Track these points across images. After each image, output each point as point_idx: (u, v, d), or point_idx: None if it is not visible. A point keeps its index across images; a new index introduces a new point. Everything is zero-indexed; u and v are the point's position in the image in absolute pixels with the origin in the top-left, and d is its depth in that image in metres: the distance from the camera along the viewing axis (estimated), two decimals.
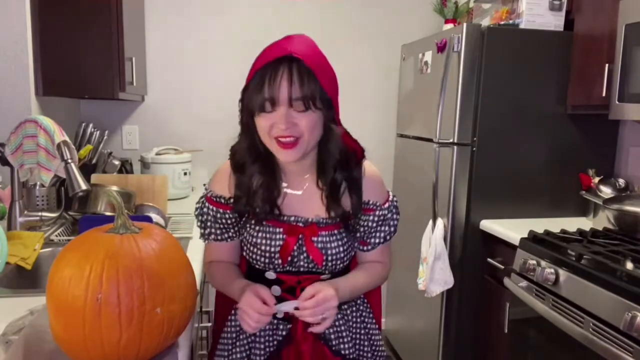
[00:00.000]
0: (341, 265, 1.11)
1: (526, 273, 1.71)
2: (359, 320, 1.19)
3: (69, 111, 2.35)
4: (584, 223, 2.04)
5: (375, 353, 1.20)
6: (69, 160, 1.40)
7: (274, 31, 2.73)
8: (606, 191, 2.02)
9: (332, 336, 1.13)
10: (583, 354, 1.42)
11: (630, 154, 2.15)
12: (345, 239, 1.10)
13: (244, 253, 1.13)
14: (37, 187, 1.68)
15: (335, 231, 1.09)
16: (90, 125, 2.19)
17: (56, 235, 1.64)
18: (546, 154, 2.14)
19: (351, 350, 1.14)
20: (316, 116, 0.98)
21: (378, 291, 1.26)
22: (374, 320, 1.23)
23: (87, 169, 2.03)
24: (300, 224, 1.07)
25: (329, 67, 1.03)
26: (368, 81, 2.87)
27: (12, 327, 0.92)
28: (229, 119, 2.77)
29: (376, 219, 1.12)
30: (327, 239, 1.07)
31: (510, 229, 1.93)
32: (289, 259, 1.07)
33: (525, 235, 1.80)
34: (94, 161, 2.14)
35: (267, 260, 1.08)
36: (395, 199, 1.18)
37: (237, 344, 1.13)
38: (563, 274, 1.55)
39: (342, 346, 1.13)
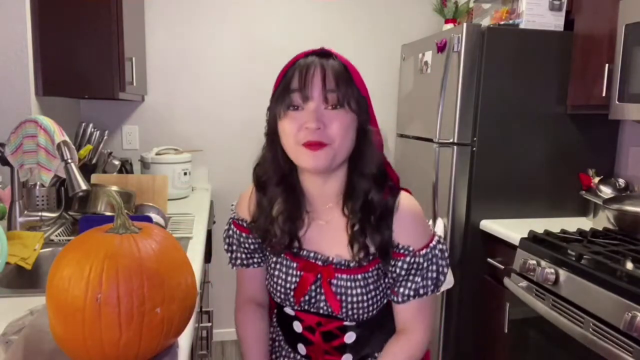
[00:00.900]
0: (366, 315, 0.94)
1: (526, 273, 1.71)
2: None
3: (69, 111, 2.35)
4: (584, 223, 2.04)
5: None
6: (69, 160, 1.40)
7: (274, 31, 2.75)
8: (606, 191, 2.02)
9: None
10: (583, 354, 1.42)
11: (630, 154, 2.15)
12: (371, 286, 0.93)
13: (266, 282, 1.03)
14: (37, 187, 1.68)
15: (359, 276, 0.92)
16: (90, 125, 2.19)
17: (56, 235, 1.64)
18: (546, 154, 2.14)
19: None
20: (350, 118, 0.87)
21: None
22: None
23: (87, 169, 2.03)
24: (319, 262, 0.94)
25: (360, 74, 0.94)
26: (368, 81, 2.81)
27: (12, 327, 0.92)
28: (229, 119, 2.79)
29: (406, 266, 0.92)
30: (347, 283, 0.92)
31: (510, 229, 1.93)
32: (306, 298, 0.95)
33: (525, 235, 1.80)
34: (94, 161, 2.13)
35: (282, 296, 0.97)
36: (441, 245, 0.95)
37: None
38: (563, 274, 1.55)
39: None
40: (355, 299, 0.92)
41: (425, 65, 2.37)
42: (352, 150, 0.90)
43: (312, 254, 0.95)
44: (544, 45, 2.07)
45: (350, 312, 0.93)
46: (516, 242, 1.83)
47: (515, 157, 2.12)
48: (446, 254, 0.95)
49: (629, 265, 1.46)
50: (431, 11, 2.83)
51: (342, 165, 0.92)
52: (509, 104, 2.08)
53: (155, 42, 2.61)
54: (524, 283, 1.73)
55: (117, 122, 2.62)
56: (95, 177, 1.93)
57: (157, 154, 2.41)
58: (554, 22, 2.08)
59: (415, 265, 0.92)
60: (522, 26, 2.06)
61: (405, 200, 0.94)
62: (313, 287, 0.94)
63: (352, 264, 0.92)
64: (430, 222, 2.20)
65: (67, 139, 1.45)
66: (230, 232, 1.04)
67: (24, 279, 1.35)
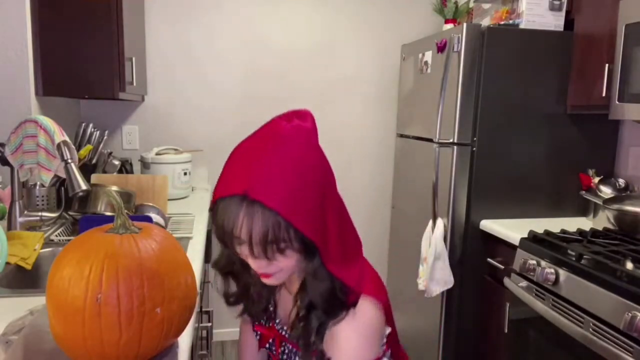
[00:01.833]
0: None
1: (526, 273, 1.71)
2: None
3: (69, 111, 2.35)
4: (584, 223, 2.04)
5: None
6: (69, 160, 1.40)
7: (274, 31, 2.75)
8: (606, 191, 2.02)
9: None
10: (583, 354, 1.42)
11: (630, 154, 2.15)
12: None
13: None
14: (37, 187, 1.68)
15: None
16: (90, 125, 2.19)
17: (56, 235, 1.64)
18: (546, 154, 2.14)
19: None
20: (296, 257, 0.80)
21: None
22: None
23: (87, 169, 2.03)
24: (279, 327, 0.98)
25: (313, 188, 0.78)
26: (368, 81, 2.87)
27: (12, 327, 0.92)
28: (230, 119, 2.79)
29: None
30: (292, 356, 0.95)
31: (510, 229, 1.93)
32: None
33: (525, 235, 1.80)
34: (94, 161, 2.13)
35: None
36: None
37: None
38: (563, 274, 1.55)
39: None
40: None
41: (425, 65, 2.37)
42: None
43: (277, 321, 0.98)
44: (544, 45, 2.07)
45: None
46: (516, 242, 1.83)
47: (515, 157, 2.12)
48: None
49: (629, 265, 1.46)
50: (431, 11, 2.83)
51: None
52: (509, 104, 2.08)
53: (155, 42, 2.61)
54: (524, 283, 1.73)
55: (117, 122, 2.62)
56: (95, 177, 1.93)
57: (157, 154, 2.41)
58: (554, 22, 2.08)
59: None
60: (522, 26, 2.06)
61: (362, 309, 0.83)
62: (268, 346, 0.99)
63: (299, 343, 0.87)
64: (430, 223, 2.20)
65: (67, 139, 1.45)
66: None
67: (24, 279, 1.35)
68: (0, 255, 1.22)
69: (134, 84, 2.15)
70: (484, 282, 2.12)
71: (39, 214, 1.60)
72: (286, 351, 0.97)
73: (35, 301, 1.03)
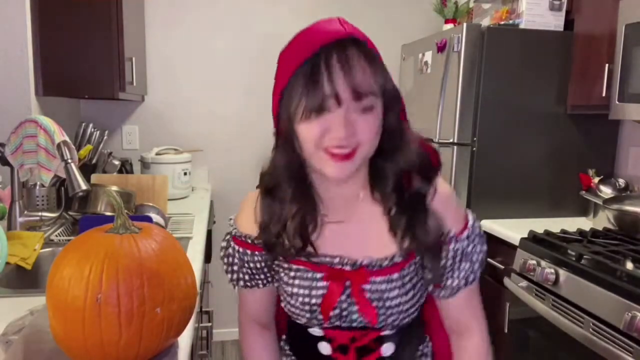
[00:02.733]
0: (407, 319, 0.85)
1: (526, 273, 1.71)
2: None
3: (69, 111, 2.35)
4: (584, 223, 2.04)
5: None
6: (69, 160, 1.40)
7: (275, 31, 2.75)
8: (606, 191, 2.02)
9: None
10: (583, 354, 1.42)
11: (630, 154, 2.14)
12: (408, 285, 0.83)
13: (282, 304, 0.91)
14: (37, 187, 1.68)
15: (395, 275, 0.82)
16: (90, 125, 2.19)
17: (56, 235, 1.64)
18: (546, 154, 2.14)
19: None
20: (378, 116, 0.75)
21: None
22: None
23: (87, 169, 2.03)
24: (347, 267, 0.82)
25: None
26: None
27: (12, 327, 0.92)
28: (230, 119, 2.79)
29: (452, 254, 0.83)
30: (383, 286, 0.82)
31: (510, 229, 1.93)
32: (336, 312, 0.83)
33: (525, 235, 1.80)
34: (94, 161, 2.14)
35: (308, 315, 0.85)
36: (476, 223, 0.87)
37: None
38: (563, 274, 1.55)
39: None
40: (393, 303, 0.82)
41: (425, 65, 2.37)
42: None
43: (336, 260, 0.82)
44: (544, 45, 2.06)
45: (389, 319, 0.83)
46: (516, 242, 1.83)
47: (515, 157, 2.12)
48: (482, 232, 0.88)
49: (629, 265, 1.46)
50: (431, 11, 2.83)
51: (364, 166, 0.81)
52: (509, 104, 2.08)
53: (155, 42, 2.61)
54: (524, 283, 1.73)
55: (117, 122, 2.62)
56: (95, 177, 1.93)
57: (157, 154, 2.41)
58: (554, 22, 2.08)
59: (460, 250, 0.83)
60: (522, 26, 2.06)
61: (439, 181, 0.83)
62: (343, 298, 0.82)
63: (385, 263, 0.81)
64: None
65: (67, 139, 1.45)
66: (231, 250, 0.92)
67: (24, 279, 1.35)
68: (0, 255, 1.22)
69: (134, 84, 2.15)
70: (484, 282, 2.10)
71: (39, 214, 1.60)
72: (348, 308, 0.83)
73: (35, 301, 1.03)
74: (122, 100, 2.31)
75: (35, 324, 0.92)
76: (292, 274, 0.86)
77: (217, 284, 2.78)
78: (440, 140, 2.14)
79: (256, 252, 0.89)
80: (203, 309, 1.93)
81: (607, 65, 1.81)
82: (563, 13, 2.08)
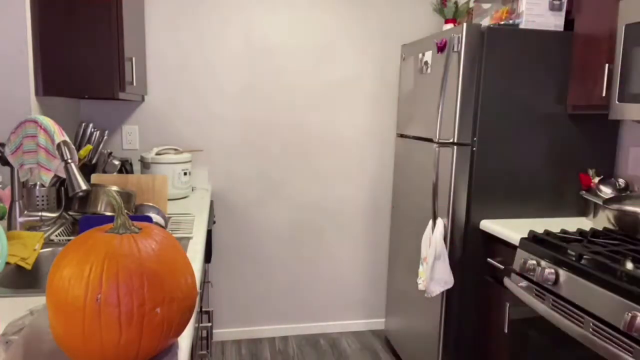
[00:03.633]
0: None
1: (526, 273, 1.71)
2: None
3: (69, 111, 2.35)
4: (584, 223, 2.04)
5: None
6: (69, 160, 1.40)
7: (274, 31, 2.75)
8: (606, 191, 2.02)
9: None
10: (583, 354, 1.42)
11: (630, 154, 2.15)
12: None
13: None
14: (37, 187, 1.68)
15: None
16: (90, 125, 2.19)
17: (56, 235, 1.64)
18: (546, 154, 2.14)
19: None
20: None
21: None
22: None
23: (87, 169, 2.03)
24: None
25: None
26: (368, 81, 2.87)
27: (12, 327, 0.92)
28: (230, 119, 2.79)
29: None
30: None
31: (510, 229, 1.93)
32: None
33: (525, 235, 1.80)
34: (94, 161, 2.14)
35: None
36: None
37: None
38: (563, 274, 1.55)
39: None
40: None
41: (425, 65, 2.37)
42: None
43: None
44: (544, 45, 2.07)
45: None
46: (516, 242, 1.83)
47: (515, 157, 2.12)
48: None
49: (629, 265, 1.46)
50: (431, 11, 2.83)
51: None
52: (509, 104, 2.08)
53: (155, 42, 2.61)
54: (524, 283, 1.73)
55: (117, 122, 2.63)
56: (95, 177, 1.93)
57: (157, 154, 2.41)
58: (554, 22, 2.08)
59: None
60: (522, 26, 2.06)
61: None
62: None
63: None
64: (430, 223, 2.20)
65: (67, 139, 1.45)
66: None
67: (24, 279, 1.35)
68: (0, 255, 1.22)
69: (134, 84, 2.15)
70: (484, 282, 2.12)
71: (39, 214, 1.60)
72: None
73: (35, 301, 1.03)
74: (122, 100, 2.31)
75: (35, 324, 0.92)
76: None
77: (217, 284, 2.78)
78: (440, 140, 2.14)
79: None
80: (203, 309, 1.93)
81: (607, 65, 1.81)
82: (563, 13, 2.08)
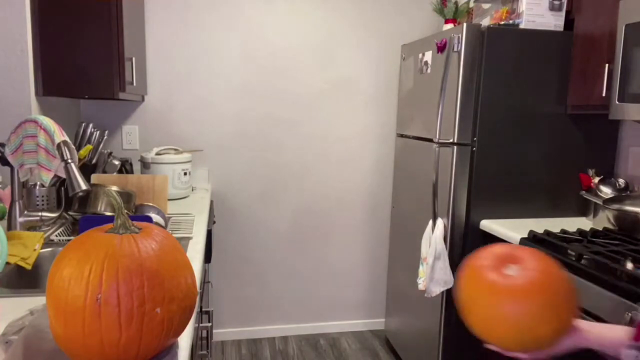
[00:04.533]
0: None
1: None
2: None
3: (69, 111, 2.35)
4: (584, 223, 2.04)
5: None
6: (69, 160, 1.40)
7: (274, 31, 2.75)
8: (606, 191, 2.02)
9: None
10: (583, 354, 1.42)
11: (630, 154, 2.15)
12: None
13: None
14: (37, 187, 1.68)
15: None
16: (90, 125, 2.19)
17: (56, 235, 1.64)
18: (546, 154, 2.14)
19: None
20: None
21: None
22: None
23: (87, 169, 2.03)
24: None
25: None
26: (368, 81, 2.87)
27: (12, 327, 0.92)
28: (230, 119, 2.79)
29: None
30: None
31: (510, 229, 1.93)
32: None
33: (525, 235, 1.80)
34: (94, 161, 2.14)
35: None
36: None
37: None
38: None
39: None
40: None
41: (425, 65, 2.37)
42: None
43: None
44: (544, 45, 2.07)
45: None
46: (516, 242, 1.83)
47: (515, 157, 2.12)
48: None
49: (629, 265, 1.46)
50: (431, 11, 2.83)
51: None
52: (509, 104, 2.08)
53: (155, 42, 2.61)
54: None
55: (117, 122, 2.63)
56: (95, 177, 1.93)
57: (157, 154, 2.41)
58: (554, 22, 2.08)
59: None
60: (522, 26, 2.06)
61: None
62: None
63: None
64: (430, 223, 2.21)
65: (67, 139, 1.45)
66: None
67: (24, 279, 1.35)
68: (0, 255, 1.22)
69: (134, 84, 2.15)
70: None
71: (39, 214, 1.60)
72: None
73: (35, 301, 1.03)
74: (122, 100, 2.31)
75: (35, 324, 0.92)
76: None
77: (217, 284, 2.78)
78: (440, 140, 2.14)
79: None
80: (203, 309, 1.93)
81: (607, 65, 1.81)
82: (563, 13, 2.08)
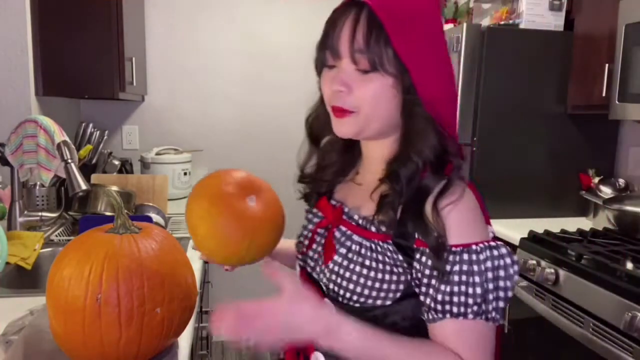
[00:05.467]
0: (366, 299, 0.74)
1: (526, 273, 1.71)
2: None
3: (69, 111, 2.35)
4: (584, 223, 2.04)
5: None
6: (69, 160, 1.40)
7: (274, 30, 2.75)
8: (606, 191, 2.01)
9: None
10: (583, 354, 1.42)
11: (630, 154, 2.14)
12: (374, 263, 0.74)
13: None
14: (37, 187, 1.68)
15: (376, 241, 0.76)
16: (90, 125, 2.19)
17: (56, 235, 1.64)
18: (546, 154, 2.14)
19: None
20: (385, 84, 0.72)
21: None
22: None
23: (87, 169, 2.03)
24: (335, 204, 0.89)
25: (425, 24, 0.74)
26: None
27: (12, 327, 0.92)
28: (230, 119, 2.79)
29: (429, 265, 0.71)
30: (356, 246, 0.77)
31: (510, 229, 1.93)
32: (311, 254, 0.88)
33: (525, 235, 1.80)
34: (94, 161, 2.14)
35: (299, 247, 0.95)
36: (497, 255, 0.73)
37: None
38: (563, 274, 1.55)
39: None
40: (357, 266, 0.75)
41: None
42: (399, 121, 0.76)
43: (337, 203, 0.88)
44: (544, 45, 2.06)
45: (344, 282, 0.76)
46: (516, 242, 1.82)
47: (516, 157, 2.12)
48: (511, 272, 0.74)
49: (629, 265, 1.45)
50: None
51: (392, 134, 0.79)
52: (509, 104, 2.08)
53: (155, 42, 2.61)
54: (524, 283, 1.72)
55: (117, 122, 2.62)
56: (95, 177, 1.93)
57: (157, 154, 2.41)
58: (554, 22, 2.08)
59: (436, 268, 0.70)
60: (522, 26, 2.06)
61: (456, 188, 0.75)
62: (317, 239, 0.87)
63: (360, 221, 0.79)
64: None
65: (67, 139, 1.45)
66: None
67: (24, 279, 1.35)
68: (0, 255, 1.22)
69: (134, 84, 2.15)
70: None
71: (39, 214, 1.60)
72: (318, 249, 0.87)
73: (35, 301, 1.03)
74: (122, 100, 2.31)
75: (35, 324, 0.92)
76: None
77: (217, 284, 2.78)
78: None
79: None
80: (203, 309, 1.93)
81: (607, 65, 1.81)
82: (563, 13, 2.08)
